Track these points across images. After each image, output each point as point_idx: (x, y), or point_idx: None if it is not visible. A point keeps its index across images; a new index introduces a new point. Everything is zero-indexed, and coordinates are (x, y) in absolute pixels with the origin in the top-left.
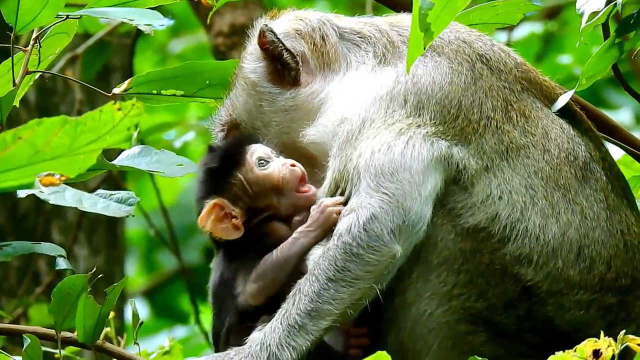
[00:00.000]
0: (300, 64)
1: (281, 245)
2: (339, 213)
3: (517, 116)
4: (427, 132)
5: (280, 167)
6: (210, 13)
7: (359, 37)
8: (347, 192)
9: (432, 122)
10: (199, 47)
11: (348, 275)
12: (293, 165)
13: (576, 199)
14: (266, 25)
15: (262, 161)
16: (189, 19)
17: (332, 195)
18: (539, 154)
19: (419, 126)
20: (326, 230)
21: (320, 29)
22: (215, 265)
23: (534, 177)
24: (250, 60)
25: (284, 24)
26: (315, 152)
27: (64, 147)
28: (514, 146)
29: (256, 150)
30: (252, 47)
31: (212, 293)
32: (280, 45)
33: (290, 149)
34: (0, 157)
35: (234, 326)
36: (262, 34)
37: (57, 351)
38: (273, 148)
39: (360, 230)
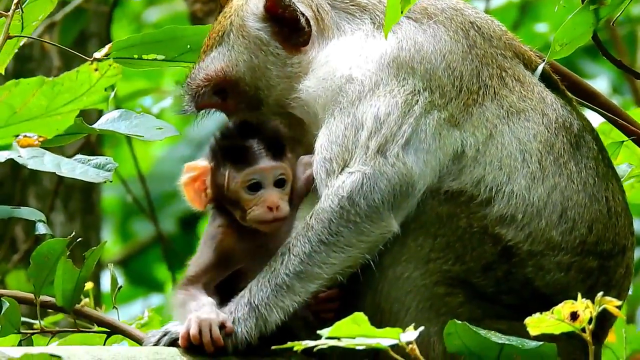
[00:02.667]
0: (313, 28)
1: None
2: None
3: (512, 82)
4: (441, 118)
5: (259, 203)
6: None
7: (352, 5)
8: (349, 149)
9: (442, 99)
10: (175, 16)
11: (341, 241)
12: (271, 209)
13: (567, 165)
14: None
15: (252, 184)
16: None
17: (334, 144)
18: (539, 117)
19: (432, 105)
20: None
21: None
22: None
23: (532, 141)
24: (254, 20)
25: None
26: (306, 108)
27: (42, 107)
28: (513, 110)
29: (257, 171)
30: (254, 7)
31: None
32: (297, 8)
33: (283, 106)
34: None
35: None
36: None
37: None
38: (270, 109)
39: (359, 198)
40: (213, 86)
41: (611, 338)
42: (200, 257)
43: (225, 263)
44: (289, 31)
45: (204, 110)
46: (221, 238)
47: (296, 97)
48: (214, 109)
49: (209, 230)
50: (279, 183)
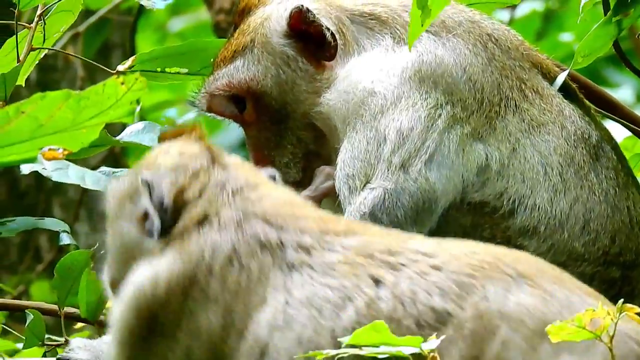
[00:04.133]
0: (339, 42)
1: None
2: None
3: (532, 94)
4: (464, 132)
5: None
6: None
7: (370, 19)
8: (372, 164)
9: (465, 113)
10: (198, 25)
11: None
12: None
13: (588, 176)
14: (302, 5)
15: None
16: None
17: (356, 160)
18: (558, 130)
19: (455, 119)
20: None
21: (335, 12)
22: None
23: (553, 154)
24: (278, 37)
25: (312, 5)
26: (327, 121)
27: (67, 121)
28: (534, 123)
29: None
30: (277, 24)
31: None
32: (322, 24)
33: (307, 119)
34: (3, 132)
35: None
36: (298, 13)
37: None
38: (295, 123)
39: (382, 214)
40: (232, 94)
41: None
42: None
43: None
44: (315, 46)
45: (211, 114)
46: None
47: (318, 110)
48: (225, 118)
49: None
50: None
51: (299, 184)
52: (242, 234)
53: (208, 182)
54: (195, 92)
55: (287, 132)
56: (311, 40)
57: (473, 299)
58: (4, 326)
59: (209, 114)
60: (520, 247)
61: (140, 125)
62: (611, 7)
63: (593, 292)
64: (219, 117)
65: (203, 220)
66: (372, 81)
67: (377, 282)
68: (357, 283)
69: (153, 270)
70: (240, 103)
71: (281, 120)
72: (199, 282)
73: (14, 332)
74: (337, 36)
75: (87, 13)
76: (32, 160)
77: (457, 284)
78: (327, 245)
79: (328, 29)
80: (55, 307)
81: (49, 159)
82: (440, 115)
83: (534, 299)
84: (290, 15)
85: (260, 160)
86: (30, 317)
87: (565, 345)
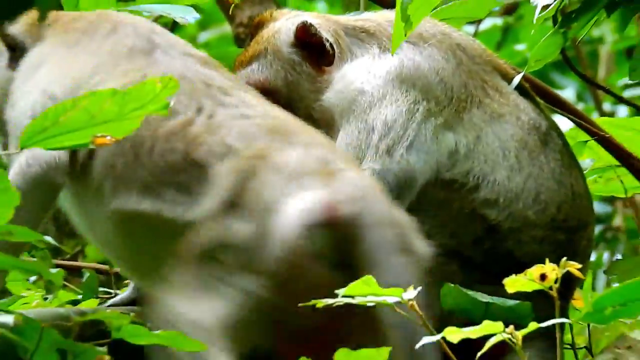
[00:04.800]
0: (336, 51)
1: None
2: None
3: (492, 91)
4: (437, 123)
5: None
6: (232, 7)
7: (361, 32)
8: (362, 150)
9: (438, 108)
10: (222, 37)
11: None
12: None
13: (539, 158)
14: (306, 20)
15: None
16: (215, 14)
17: (350, 146)
18: (514, 121)
19: (430, 113)
20: None
21: (333, 26)
22: None
23: (510, 140)
24: (287, 46)
25: (314, 20)
26: (326, 115)
27: (114, 113)
28: (495, 115)
29: None
30: (286, 35)
31: None
32: (322, 36)
33: (309, 113)
34: (61, 121)
35: None
36: (303, 27)
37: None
38: (299, 115)
39: None
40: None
41: (580, 304)
42: None
43: None
44: (317, 54)
45: None
46: None
47: (320, 105)
48: None
49: None
50: None
51: None
52: None
53: None
54: None
55: None
56: (313, 49)
57: (257, 145)
58: (65, 282)
59: None
60: (483, 216)
61: None
62: (558, 21)
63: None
64: None
65: None
66: (362, 82)
67: (199, 109)
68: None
69: None
70: None
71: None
72: None
73: (72, 286)
74: (334, 46)
75: None
76: (85, 145)
77: (251, 132)
78: None
79: (327, 40)
80: (106, 266)
81: (99, 145)
82: (418, 109)
83: (298, 151)
84: (297, 28)
85: None
86: (86, 275)
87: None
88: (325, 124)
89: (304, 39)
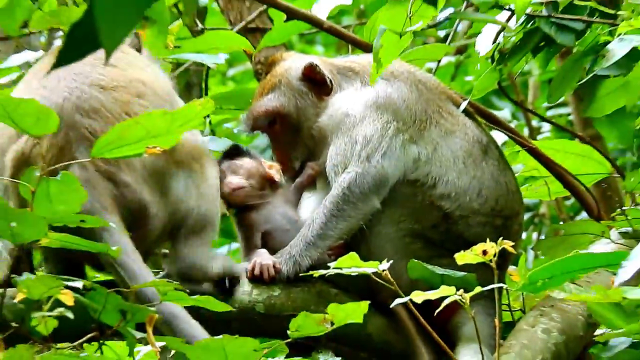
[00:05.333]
0: (333, 85)
1: None
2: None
3: (446, 114)
4: (404, 138)
5: (224, 183)
6: (254, 53)
7: (348, 70)
8: (348, 157)
9: (405, 126)
10: (245, 72)
11: (344, 214)
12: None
13: (481, 164)
14: (312, 62)
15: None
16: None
17: (339, 155)
18: (462, 136)
19: (399, 130)
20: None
21: (329, 66)
22: None
23: (459, 150)
24: (296, 80)
25: (317, 61)
26: (322, 133)
27: (163, 129)
28: (448, 132)
29: (228, 167)
30: (296, 72)
31: None
32: (325, 74)
33: (310, 131)
34: (122, 135)
35: None
36: (310, 66)
37: None
38: (303, 133)
39: (355, 188)
40: (269, 116)
41: (516, 278)
42: (243, 236)
43: (253, 232)
44: (319, 87)
45: (256, 131)
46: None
47: (317, 125)
48: (263, 132)
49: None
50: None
51: (297, 172)
52: None
53: None
54: (243, 115)
55: (298, 140)
56: (316, 83)
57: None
58: None
59: (251, 129)
60: (440, 206)
61: (207, 137)
62: (496, 60)
63: None
64: (257, 131)
65: None
66: (347, 108)
67: None
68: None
69: None
70: (273, 122)
71: (296, 132)
72: None
73: None
74: (333, 81)
75: (177, 64)
76: (140, 154)
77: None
78: None
79: (327, 77)
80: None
81: (150, 154)
82: (390, 127)
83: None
84: (305, 67)
85: (282, 157)
86: None
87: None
88: (321, 140)
89: (310, 75)
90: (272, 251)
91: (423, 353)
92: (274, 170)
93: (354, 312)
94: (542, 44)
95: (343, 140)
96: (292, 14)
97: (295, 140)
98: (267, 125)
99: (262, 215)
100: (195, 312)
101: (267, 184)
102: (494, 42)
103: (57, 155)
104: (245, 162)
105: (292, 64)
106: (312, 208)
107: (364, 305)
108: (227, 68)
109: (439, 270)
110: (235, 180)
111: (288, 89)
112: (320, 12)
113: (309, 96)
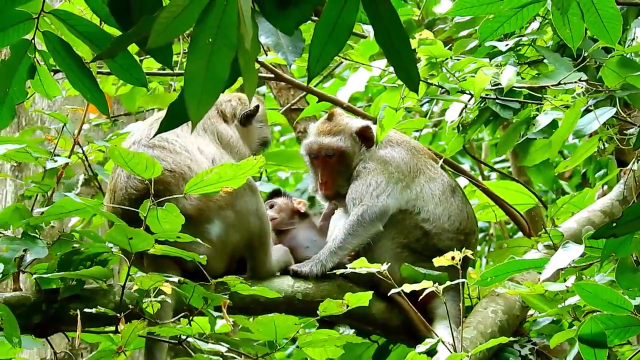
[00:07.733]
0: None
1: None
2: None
3: (429, 167)
4: (402, 186)
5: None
6: (295, 122)
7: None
8: (364, 194)
9: (402, 176)
10: (292, 139)
11: (358, 234)
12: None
13: (450, 199)
14: (368, 125)
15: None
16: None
17: (357, 192)
18: (440, 181)
19: (398, 179)
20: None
21: (373, 130)
22: None
23: (436, 190)
24: (355, 133)
25: (370, 124)
26: (356, 172)
27: (231, 175)
28: (430, 179)
29: (268, 204)
30: (355, 128)
31: None
32: (373, 133)
33: (352, 170)
34: (204, 182)
35: None
36: (365, 127)
37: None
38: (349, 169)
39: (365, 215)
40: (334, 151)
41: (475, 276)
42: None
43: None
44: (367, 141)
45: (313, 157)
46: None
47: (355, 167)
48: (317, 158)
49: None
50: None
51: (334, 196)
52: None
53: None
54: (306, 141)
55: (344, 172)
56: (365, 138)
57: None
58: None
59: (314, 154)
60: (422, 227)
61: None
62: (460, 130)
63: None
64: (315, 159)
65: None
66: (367, 162)
67: None
68: None
69: None
70: (331, 155)
71: (346, 168)
72: None
73: None
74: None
75: None
76: (216, 193)
77: None
78: None
79: (374, 136)
80: None
81: (224, 193)
82: (392, 177)
83: None
84: (362, 127)
85: (329, 181)
86: None
87: None
88: (356, 177)
89: (363, 133)
90: (295, 261)
91: (418, 322)
92: (301, 205)
93: (362, 298)
94: (491, 118)
95: (361, 183)
96: (322, 97)
97: (344, 173)
98: (325, 156)
99: (289, 235)
100: (259, 300)
101: (296, 214)
102: (459, 115)
103: (162, 192)
104: (279, 201)
105: (351, 121)
106: (339, 226)
107: (369, 294)
108: (279, 135)
109: (421, 270)
110: (270, 214)
111: (349, 137)
112: (342, 96)
113: (360, 145)
